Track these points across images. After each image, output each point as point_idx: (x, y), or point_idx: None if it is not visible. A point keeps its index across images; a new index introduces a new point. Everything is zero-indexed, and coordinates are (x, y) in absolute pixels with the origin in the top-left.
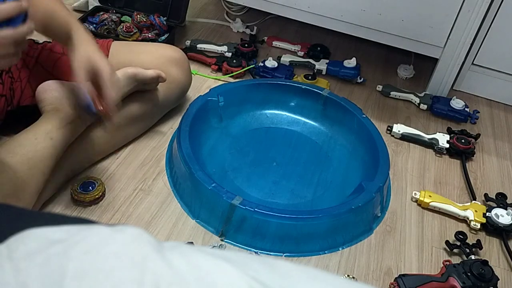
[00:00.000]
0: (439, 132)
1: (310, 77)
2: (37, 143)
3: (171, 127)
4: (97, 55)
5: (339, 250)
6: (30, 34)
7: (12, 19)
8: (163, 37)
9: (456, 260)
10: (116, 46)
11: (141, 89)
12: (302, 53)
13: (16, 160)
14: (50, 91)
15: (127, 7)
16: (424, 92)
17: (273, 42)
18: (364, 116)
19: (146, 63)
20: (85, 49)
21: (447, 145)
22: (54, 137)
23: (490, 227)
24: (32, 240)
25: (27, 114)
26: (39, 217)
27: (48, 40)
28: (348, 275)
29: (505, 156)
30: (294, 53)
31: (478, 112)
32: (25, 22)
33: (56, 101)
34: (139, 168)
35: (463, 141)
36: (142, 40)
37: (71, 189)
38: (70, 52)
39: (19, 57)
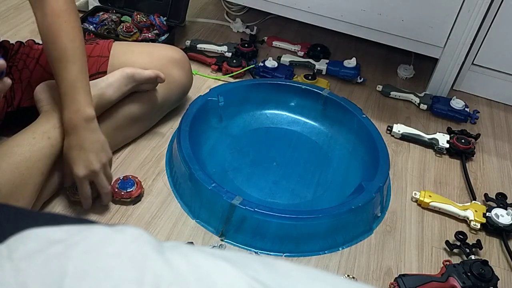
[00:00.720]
0: (439, 132)
1: (310, 77)
2: (35, 143)
3: (171, 127)
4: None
5: (339, 250)
6: (6, 89)
7: None
8: (163, 37)
9: (456, 260)
10: (117, 47)
11: (141, 89)
12: (302, 53)
13: (14, 160)
14: (48, 91)
15: (127, 7)
16: (424, 92)
17: (273, 42)
18: (364, 116)
19: (146, 64)
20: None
21: (447, 145)
22: (52, 136)
23: (490, 227)
24: (32, 240)
25: (27, 116)
26: (39, 217)
27: None
28: (348, 275)
29: (505, 156)
30: (294, 53)
31: (478, 112)
32: (1, 79)
33: (53, 101)
34: (139, 168)
35: (463, 141)
36: (142, 40)
37: (67, 190)
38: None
39: None
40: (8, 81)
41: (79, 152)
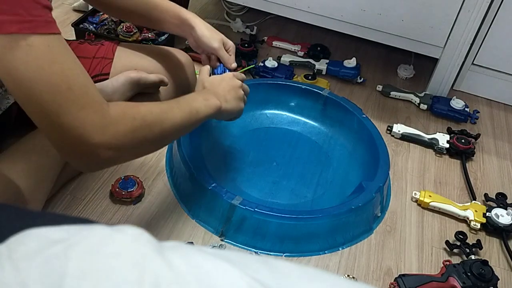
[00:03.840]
0: (439, 132)
1: (310, 77)
2: (48, 150)
3: None
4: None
5: (339, 250)
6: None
7: None
8: (163, 37)
9: (456, 260)
10: (122, 50)
11: (143, 91)
12: (302, 53)
13: (30, 167)
14: None
15: None
16: (424, 92)
17: (273, 42)
18: (364, 116)
19: (151, 67)
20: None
21: (447, 145)
22: None
23: (490, 227)
24: (32, 240)
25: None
26: (39, 217)
27: None
28: (348, 275)
29: (505, 156)
30: (294, 53)
31: (478, 112)
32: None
33: None
34: (139, 168)
35: (463, 141)
36: (142, 40)
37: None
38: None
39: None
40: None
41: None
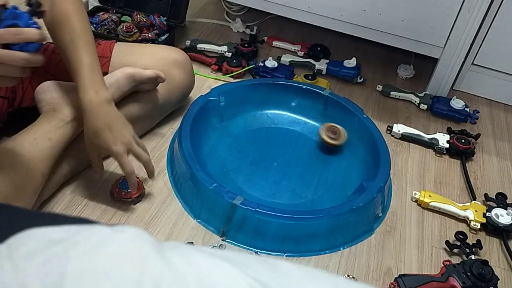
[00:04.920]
0: (439, 132)
1: (310, 77)
2: (36, 144)
3: (171, 127)
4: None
5: (339, 250)
6: (38, 65)
7: (28, 44)
8: (163, 37)
9: (456, 260)
10: (119, 48)
11: (141, 89)
12: (302, 53)
13: (15, 161)
14: (48, 92)
15: (127, 7)
16: (424, 92)
17: (273, 42)
18: (364, 116)
19: (148, 64)
20: (92, 126)
21: (447, 145)
22: (53, 137)
23: (490, 227)
24: (32, 240)
25: (29, 116)
26: (39, 217)
27: (51, 41)
28: (348, 275)
29: (505, 156)
30: (294, 53)
31: (478, 112)
32: (38, 52)
33: (54, 102)
34: (140, 168)
35: (463, 141)
36: (142, 40)
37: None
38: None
39: (16, 83)
40: (43, 59)
41: (110, 131)
